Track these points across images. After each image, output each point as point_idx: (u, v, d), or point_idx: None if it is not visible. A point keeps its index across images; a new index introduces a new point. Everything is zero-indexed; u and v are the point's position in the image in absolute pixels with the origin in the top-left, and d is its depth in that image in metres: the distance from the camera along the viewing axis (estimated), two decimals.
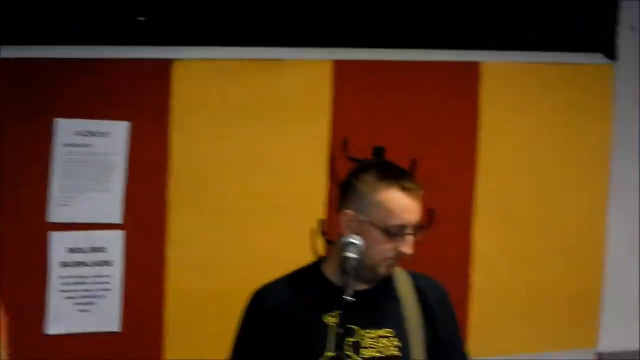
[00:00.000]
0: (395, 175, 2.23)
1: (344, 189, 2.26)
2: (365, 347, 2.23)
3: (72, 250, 2.95)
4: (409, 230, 2.19)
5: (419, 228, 2.21)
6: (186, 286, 3.10)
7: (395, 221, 2.17)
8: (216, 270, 3.10)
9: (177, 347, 3.09)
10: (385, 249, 2.19)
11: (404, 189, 2.18)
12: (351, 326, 2.17)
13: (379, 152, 3.10)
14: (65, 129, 2.96)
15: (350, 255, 2.06)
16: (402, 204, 2.19)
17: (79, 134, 2.98)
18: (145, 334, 3.01)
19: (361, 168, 2.32)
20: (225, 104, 3.18)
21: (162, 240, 3.04)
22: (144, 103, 3.04)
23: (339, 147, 3.18)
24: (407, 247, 2.20)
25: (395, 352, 2.25)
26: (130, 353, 2.89)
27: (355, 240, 2.09)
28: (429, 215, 2.84)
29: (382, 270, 2.21)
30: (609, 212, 3.89)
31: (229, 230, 3.14)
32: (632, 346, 3.85)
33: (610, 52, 3.75)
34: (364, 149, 3.12)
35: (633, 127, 3.87)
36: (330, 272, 2.27)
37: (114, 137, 2.96)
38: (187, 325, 3.07)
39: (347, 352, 2.20)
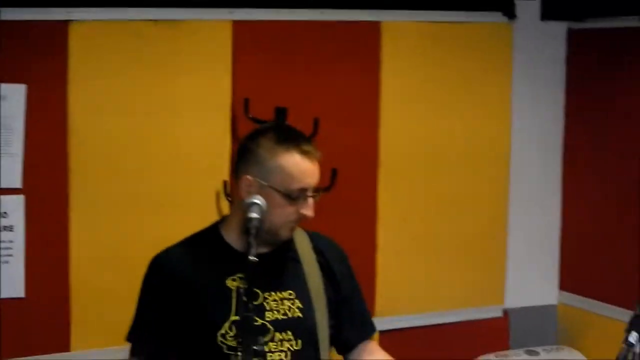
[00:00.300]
0: (293, 138, 2.26)
1: (242, 154, 2.28)
2: (269, 310, 2.26)
3: None
4: (309, 193, 2.22)
5: (319, 190, 2.24)
6: (91, 250, 3.07)
7: (295, 185, 2.19)
8: (121, 231, 3.08)
9: (83, 312, 3.06)
10: (286, 212, 2.22)
11: (303, 152, 2.21)
12: (254, 289, 2.18)
13: (280, 112, 3.09)
14: None
15: (254, 215, 2.07)
16: (301, 167, 2.22)
17: None
18: (51, 299, 2.99)
19: (258, 132, 2.32)
20: (124, 65, 3.14)
21: (64, 203, 3.01)
22: (40, 65, 2.99)
23: (241, 107, 3.17)
24: (308, 209, 2.23)
25: (298, 314, 2.28)
26: (36, 318, 2.87)
27: (258, 200, 2.10)
28: (332, 175, 3.00)
29: (284, 233, 2.25)
30: (510, 166, 3.93)
31: (132, 192, 3.12)
32: (537, 302, 4.00)
33: (509, 11, 3.77)
34: (266, 110, 3.11)
35: (532, 85, 3.95)
36: (230, 235, 2.29)
37: (10, 100, 2.91)
38: (93, 289, 3.05)
39: (258, 321, 2.21)
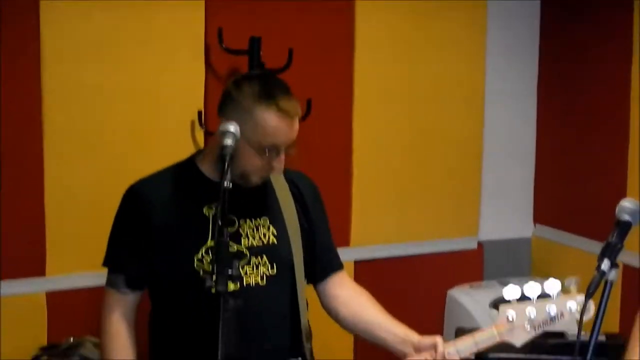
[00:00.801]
0: (275, 93, 2.26)
1: (225, 97, 2.30)
2: (245, 237, 2.31)
3: None
4: (281, 150, 2.26)
5: (291, 146, 2.27)
6: (66, 178, 3.10)
7: (268, 141, 2.23)
8: (96, 160, 3.09)
9: (59, 238, 3.09)
10: (257, 163, 2.26)
11: (281, 110, 2.23)
12: (230, 216, 2.21)
13: (255, 42, 3.09)
14: None
15: (228, 143, 2.10)
16: (277, 126, 2.24)
17: None
18: (27, 227, 3.02)
19: (244, 78, 2.35)
20: None
21: (39, 134, 3.02)
22: (10, 9, 2.93)
23: (215, 37, 3.16)
24: (278, 163, 2.28)
25: (273, 240, 2.35)
26: (12, 244, 2.88)
27: (232, 128, 2.13)
28: (307, 105, 2.98)
29: (254, 179, 2.29)
30: (485, 100, 3.93)
31: (106, 123, 3.14)
32: (511, 235, 4.09)
33: None
34: (241, 40, 3.10)
35: (506, 62, 4.00)
36: (206, 166, 2.33)
37: None
38: (68, 217, 3.08)
39: (235, 247, 2.27)
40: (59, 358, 2.94)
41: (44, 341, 2.98)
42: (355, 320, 2.51)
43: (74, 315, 3.06)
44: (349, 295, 2.55)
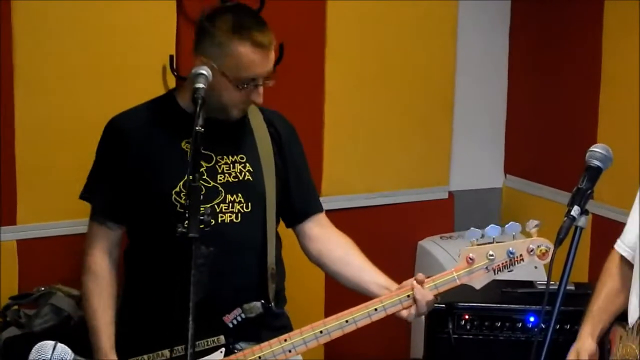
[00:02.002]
0: (248, 26, 2.27)
1: (199, 33, 2.31)
2: (221, 173, 2.36)
3: None
4: (259, 82, 2.28)
5: (268, 78, 2.29)
6: (36, 127, 3.10)
7: (245, 74, 2.25)
8: (65, 106, 3.09)
9: (29, 188, 3.10)
10: (236, 96, 2.28)
11: (255, 43, 2.24)
12: (207, 152, 2.29)
13: None
14: None
15: (200, 85, 2.11)
16: (253, 58, 2.26)
17: None
18: None
19: (216, 12, 2.35)
20: None
21: (9, 83, 3.01)
22: None
23: None
24: (256, 96, 2.30)
25: (249, 177, 2.38)
26: None
27: (204, 71, 2.14)
28: (279, 49, 2.88)
29: (234, 113, 2.31)
30: (457, 49, 3.91)
31: (77, 65, 3.12)
32: (481, 185, 4.08)
33: None
34: None
35: (476, 42, 3.99)
36: (185, 101, 2.34)
37: None
38: (38, 166, 3.10)
39: (204, 177, 2.28)
40: (30, 307, 2.94)
41: (14, 290, 2.97)
42: (338, 264, 2.54)
43: (45, 264, 3.08)
44: (329, 238, 2.58)
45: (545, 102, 3.89)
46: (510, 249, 2.26)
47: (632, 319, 2.38)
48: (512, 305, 2.98)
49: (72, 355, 1.60)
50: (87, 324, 2.42)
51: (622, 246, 2.52)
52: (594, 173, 2.07)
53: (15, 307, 2.88)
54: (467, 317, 2.98)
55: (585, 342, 2.44)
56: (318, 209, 2.58)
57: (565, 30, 3.74)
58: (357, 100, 3.66)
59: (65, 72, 3.09)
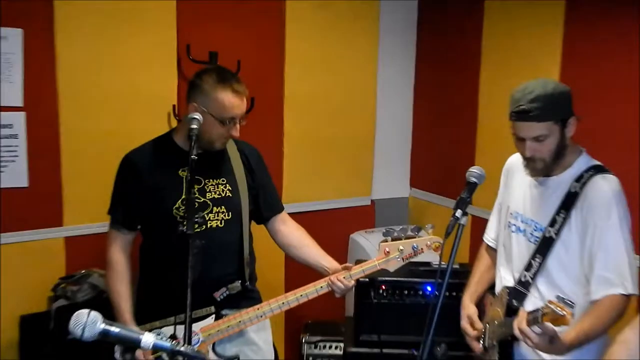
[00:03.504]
0: (228, 79, 2.31)
1: (191, 87, 2.35)
2: (209, 192, 2.43)
3: None
4: (236, 121, 2.34)
5: (243, 118, 2.34)
6: (79, 148, 3.09)
7: (226, 114, 2.30)
8: (98, 144, 3.10)
9: (73, 195, 3.11)
10: (219, 132, 2.33)
11: (234, 91, 2.30)
12: (198, 177, 2.35)
13: (213, 55, 3.18)
14: None
15: (194, 126, 2.18)
16: (232, 102, 2.30)
17: None
18: (48, 186, 3.05)
19: (204, 71, 2.36)
20: (101, 25, 3.09)
21: (55, 118, 3.02)
22: (32, 13, 2.91)
23: (184, 51, 3.21)
24: (235, 131, 2.37)
25: (229, 194, 2.45)
26: (36, 201, 2.94)
27: (197, 116, 2.20)
28: (251, 102, 3.03)
29: (218, 145, 2.36)
30: (377, 88, 3.95)
31: (109, 116, 3.14)
32: (394, 195, 4.18)
33: None
34: (203, 53, 3.19)
35: (395, 45, 4.00)
36: (180, 140, 2.39)
37: (10, 40, 2.89)
38: (81, 178, 3.09)
39: (197, 195, 2.31)
40: (73, 285, 2.98)
41: (62, 273, 3.03)
42: (297, 249, 2.60)
43: (85, 254, 3.11)
44: (290, 231, 2.64)
45: (438, 127, 3.94)
46: (414, 244, 2.32)
47: (497, 289, 2.41)
48: (415, 279, 3.05)
49: (102, 319, 1.56)
50: (111, 303, 2.40)
51: (487, 238, 2.55)
52: (472, 187, 2.08)
53: (63, 285, 2.93)
54: (384, 287, 3.05)
55: (469, 308, 2.44)
56: (280, 209, 2.63)
57: (452, 85, 3.74)
58: (306, 135, 3.77)
59: (100, 116, 3.14)
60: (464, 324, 2.41)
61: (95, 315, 1.55)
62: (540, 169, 2.21)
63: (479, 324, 2.38)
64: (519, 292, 2.26)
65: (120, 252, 2.42)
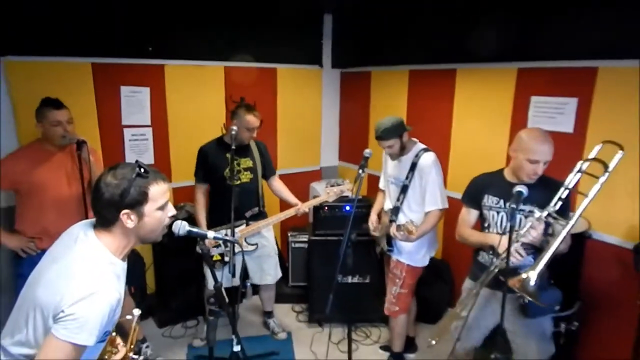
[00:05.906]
0: (251, 109, 2.85)
1: (233, 113, 2.90)
2: (241, 164, 2.92)
3: None
4: (255, 129, 2.83)
5: (258, 128, 2.78)
6: (179, 145, 3.76)
7: (250, 127, 2.80)
8: (188, 143, 3.63)
9: (179, 161, 3.74)
10: (246, 135, 2.84)
11: (254, 114, 2.83)
12: (236, 157, 2.89)
13: (242, 99, 3.34)
14: None
15: (233, 132, 2.73)
16: (253, 120, 2.82)
17: None
18: (163, 164, 3.67)
19: (238, 106, 2.90)
20: (186, 77, 3.67)
21: (166, 132, 3.73)
22: (153, 76, 3.50)
23: (229, 98, 3.81)
24: (254, 134, 2.76)
25: (251, 165, 2.98)
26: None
27: (235, 127, 2.72)
28: (260, 122, 3.17)
29: (246, 142, 2.88)
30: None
31: (195, 130, 3.78)
32: (330, 164, 4.80)
33: (320, 63, 4.54)
34: (237, 97, 3.40)
35: (334, 107, 4.67)
36: (226, 139, 2.90)
37: (143, 93, 3.52)
38: (184, 150, 3.66)
39: (237, 168, 2.85)
40: (177, 210, 3.48)
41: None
42: (281, 194, 3.11)
43: (182, 197, 3.75)
44: (278, 184, 3.14)
45: (354, 128, 4.42)
46: (340, 188, 2.82)
47: (386, 209, 2.80)
48: (341, 203, 3.39)
49: (188, 225, 1.66)
50: (195, 218, 2.88)
51: (380, 186, 3.00)
52: (366, 159, 2.42)
53: None
54: (326, 208, 3.48)
55: (373, 216, 2.90)
56: (273, 173, 3.14)
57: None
58: (287, 136, 4.46)
59: (189, 125, 3.79)
60: (370, 224, 2.90)
61: (182, 223, 1.75)
62: (395, 155, 2.79)
63: (377, 225, 2.86)
64: (395, 211, 2.74)
65: (201, 194, 3.05)
